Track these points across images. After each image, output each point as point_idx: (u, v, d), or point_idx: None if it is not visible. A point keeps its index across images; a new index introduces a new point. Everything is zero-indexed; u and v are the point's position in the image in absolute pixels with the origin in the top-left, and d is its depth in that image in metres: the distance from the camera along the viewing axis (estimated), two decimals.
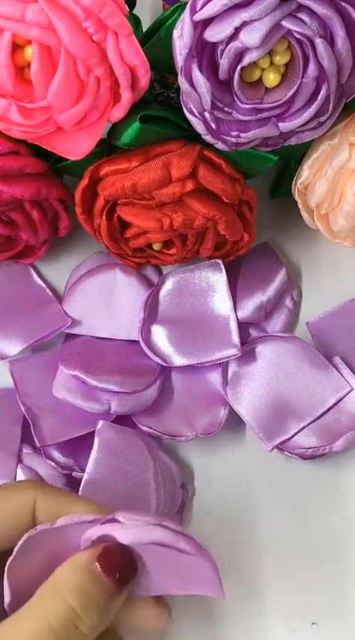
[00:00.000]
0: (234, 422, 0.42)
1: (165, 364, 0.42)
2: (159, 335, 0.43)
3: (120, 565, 0.28)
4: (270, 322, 0.45)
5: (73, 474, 0.40)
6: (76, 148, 0.35)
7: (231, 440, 0.43)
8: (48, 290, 0.45)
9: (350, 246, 0.44)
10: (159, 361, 0.42)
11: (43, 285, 0.46)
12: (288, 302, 0.46)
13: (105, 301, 0.44)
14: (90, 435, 0.39)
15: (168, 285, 0.44)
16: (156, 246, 0.42)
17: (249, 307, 0.44)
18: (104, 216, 0.39)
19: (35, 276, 0.46)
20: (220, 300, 0.43)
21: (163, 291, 0.44)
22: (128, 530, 0.27)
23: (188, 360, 0.42)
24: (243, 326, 0.44)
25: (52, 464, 0.40)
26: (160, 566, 0.28)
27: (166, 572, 0.29)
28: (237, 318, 0.43)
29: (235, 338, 0.42)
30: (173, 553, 0.27)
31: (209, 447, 0.43)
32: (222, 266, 0.43)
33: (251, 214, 0.41)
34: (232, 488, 0.42)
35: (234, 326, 0.43)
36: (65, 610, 0.26)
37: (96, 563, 0.27)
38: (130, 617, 0.30)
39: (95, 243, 0.44)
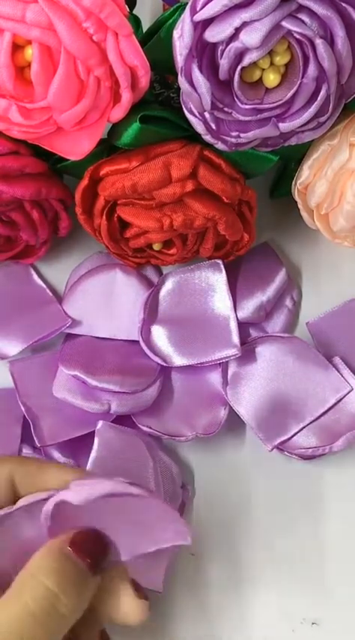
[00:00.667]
0: (234, 422, 0.42)
1: (165, 364, 0.42)
2: (159, 335, 0.43)
3: (92, 547, 0.29)
4: (270, 322, 0.45)
5: None
6: (76, 148, 0.35)
7: (231, 440, 0.43)
8: (48, 290, 0.45)
9: (350, 246, 0.44)
10: (159, 361, 0.42)
11: (43, 285, 0.46)
12: (288, 302, 0.46)
13: (105, 301, 0.44)
14: (91, 435, 0.39)
15: (168, 285, 0.44)
16: (156, 246, 0.42)
17: (249, 307, 0.44)
18: (104, 217, 0.39)
19: (35, 276, 0.46)
20: (220, 300, 0.43)
21: (163, 291, 0.44)
22: (79, 492, 0.28)
23: (188, 360, 0.42)
24: (243, 326, 0.44)
25: None
26: (126, 528, 0.29)
27: (133, 533, 0.29)
28: (237, 318, 0.43)
29: (235, 338, 0.42)
30: (132, 507, 0.28)
31: (209, 447, 0.43)
32: (222, 266, 0.43)
33: (251, 214, 0.41)
34: (232, 488, 0.42)
35: (234, 326, 0.43)
36: (44, 592, 0.27)
37: (69, 547, 0.28)
38: (110, 611, 0.30)
39: (95, 243, 0.44)
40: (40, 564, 0.28)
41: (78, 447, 0.41)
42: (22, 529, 0.29)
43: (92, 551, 0.29)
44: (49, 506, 0.28)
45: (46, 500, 0.29)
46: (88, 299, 0.44)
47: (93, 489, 0.27)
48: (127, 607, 0.30)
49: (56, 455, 0.41)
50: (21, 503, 0.29)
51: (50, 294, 0.45)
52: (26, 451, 0.41)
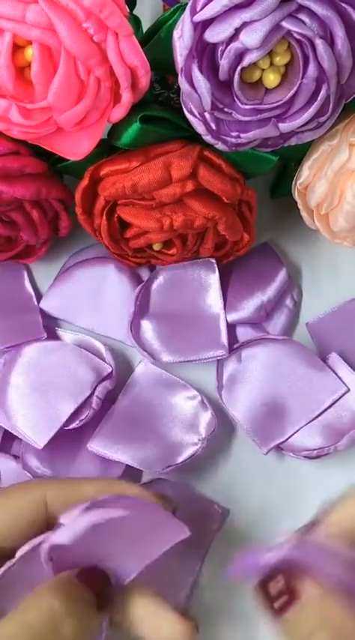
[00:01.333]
0: (230, 425, 0.42)
1: (152, 360, 0.42)
2: (149, 330, 0.43)
3: (96, 579, 0.29)
4: (271, 322, 0.45)
5: None
6: (76, 148, 0.35)
7: (230, 440, 0.43)
8: (34, 299, 0.45)
9: (350, 246, 0.44)
10: (147, 357, 0.42)
11: (31, 293, 0.45)
12: (289, 302, 0.46)
13: (93, 293, 0.45)
14: (71, 445, 0.39)
15: (160, 280, 0.44)
16: (157, 247, 0.42)
17: (249, 307, 0.44)
18: (104, 217, 0.39)
19: (27, 281, 0.46)
20: (212, 300, 0.44)
21: (155, 286, 0.44)
22: (65, 531, 0.28)
23: (176, 358, 0.42)
24: (243, 326, 0.44)
25: (28, 474, 0.40)
26: (125, 545, 0.29)
27: (133, 546, 0.29)
28: (227, 320, 0.43)
29: (224, 338, 0.42)
30: (124, 524, 0.28)
31: (208, 447, 0.43)
32: (216, 265, 0.43)
33: (251, 214, 0.41)
34: (231, 487, 0.42)
35: (223, 326, 0.43)
36: (48, 611, 0.26)
37: (75, 578, 0.28)
38: (155, 634, 0.30)
39: (95, 243, 0.44)
40: (46, 587, 0.28)
41: (57, 456, 0.41)
42: (27, 575, 0.29)
43: (96, 582, 0.29)
44: (43, 552, 0.28)
45: (40, 544, 0.29)
46: (78, 286, 0.45)
47: (77, 524, 0.28)
48: (174, 631, 0.29)
49: (35, 464, 0.40)
50: (18, 554, 0.29)
51: (35, 303, 0.45)
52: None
